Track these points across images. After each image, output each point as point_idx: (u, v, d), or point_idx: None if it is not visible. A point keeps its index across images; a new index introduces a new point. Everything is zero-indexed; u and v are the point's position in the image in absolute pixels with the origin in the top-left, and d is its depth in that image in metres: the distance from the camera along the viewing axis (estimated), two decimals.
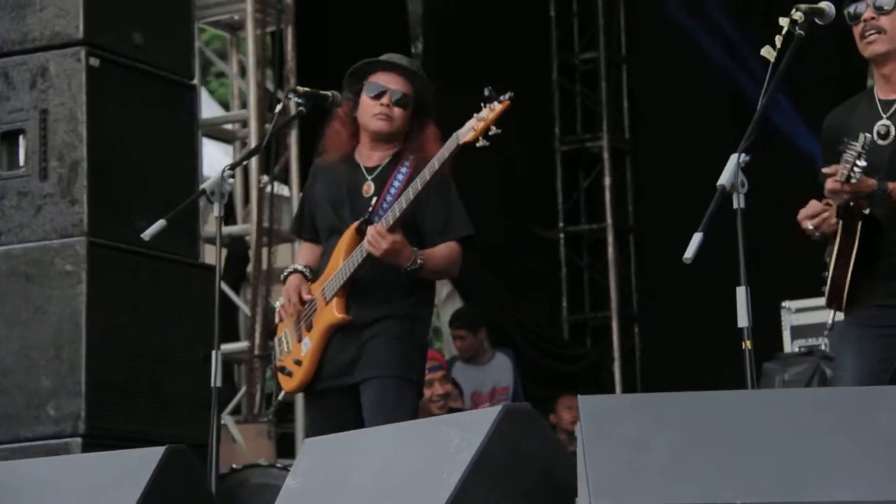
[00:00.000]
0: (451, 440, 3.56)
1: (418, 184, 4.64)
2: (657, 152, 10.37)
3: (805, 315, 7.58)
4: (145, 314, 5.84)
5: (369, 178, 4.86)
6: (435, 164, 4.63)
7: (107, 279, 5.72)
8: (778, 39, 4.41)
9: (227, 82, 13.67)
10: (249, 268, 8.04)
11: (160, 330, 5.90)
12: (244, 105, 8.20)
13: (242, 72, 8.29)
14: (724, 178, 4.18)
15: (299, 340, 4.87)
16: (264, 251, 7.92)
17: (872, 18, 4.46)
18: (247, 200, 8.14)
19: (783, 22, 4.39)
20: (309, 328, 4.84)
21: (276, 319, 4.99)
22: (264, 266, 7.87)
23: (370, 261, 4.72)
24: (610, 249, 10.35)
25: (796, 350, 7.56)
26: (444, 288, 9.85)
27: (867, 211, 4.36)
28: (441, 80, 9.98)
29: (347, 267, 4.76)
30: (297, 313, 4.88)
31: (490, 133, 4.54)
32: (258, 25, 8.08)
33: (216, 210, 4.73)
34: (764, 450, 3.27)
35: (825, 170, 4.32)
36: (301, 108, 4.97)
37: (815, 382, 6.79)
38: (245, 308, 7.93)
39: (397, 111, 4.84)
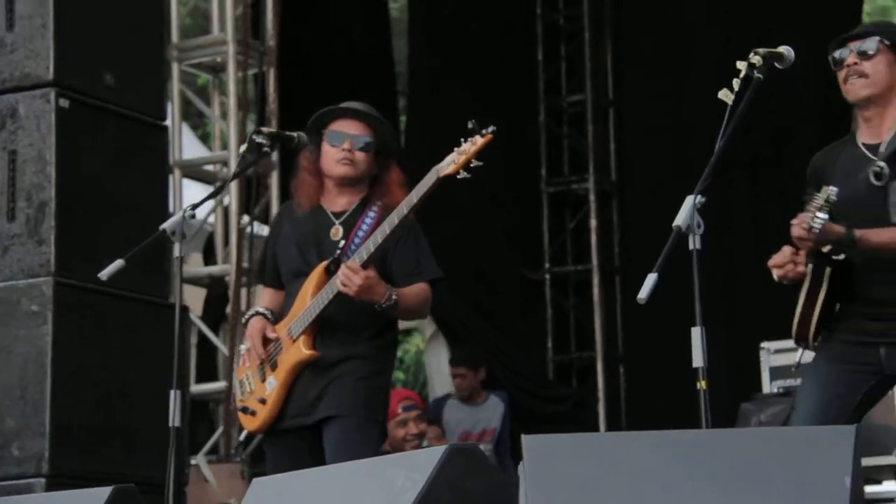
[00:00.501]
0: (397, 480, 3.55)
1: (395, 218, 4.63)
2: (643, 194, 10.38)
3: (784, 356, 7.56)
4: (113, 354, 5.82)
5: (337, 222, 4.87)
6: (413, 198, 4.62)
7: (73, 319, 5.70)
8: (736, 83, 4.43)
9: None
10: (229, 308, 8.03)
11: (129, 370, 5.88)
12: (226, 146, 8.22)
13: (224, 114, 8.32)
14: (680, 220, 4.20)
15: (263, 380, 4.85)
16: (243, 291, 7.91)
17: (856, 63, 4.50)
18: (227, 241, 8.14)
19: (741, 65, 4.41)
20: (273, 367, 4.83)
21: (240, 363, 4.97)
22: (243, 306, 7.86)
23: (338, 300, 4.72)
24: (595, 290, 10.37)
25: (774, 391, 7.54)
26: (428, 328, 9.85)
27: (840, 256, 4.38)
28: (428, 123, 10.12)
29: (315, 305, 4.76)
30: (261, 355, 4.88)
31: (471, 165, 4.53)
32: (240, 68, 8.10)
33: (177, 250, 4.72)
34: (709, 489, 3.27)
35: (794, 221, 4.34)
36: (266, 148, 4.98)
37: (791, 423, 6.77)
38: (223, 348, 7.93)
39: (359, 155, 4.85)
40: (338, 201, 4.90)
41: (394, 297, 4.66)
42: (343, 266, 4.66)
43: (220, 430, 7.78)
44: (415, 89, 10.19)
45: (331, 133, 4.88)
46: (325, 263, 4.79)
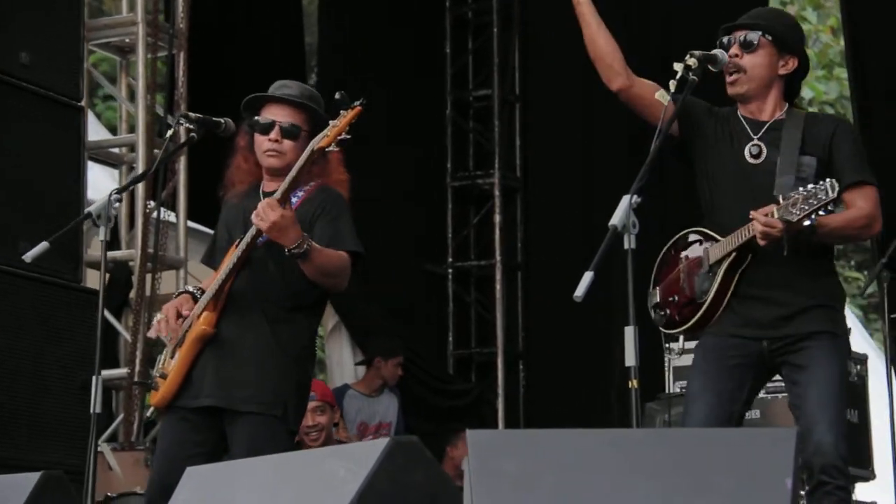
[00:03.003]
0: (337, 472, 3.53)
1: (294, 170, 4.61)
2: (548, 191, 10.44)
3: (688, 357, 7.64)
4: (25, 338, 5.71)
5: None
6: (293, 172, 4.61)
7: None
8: (672, 84, 4.47)
9: (114, 105, 13.49)
10: (132, 294, 7.91)
11: (40, 354, 5.78)
12: (132, 129, 8.08)
13: (131, 96, 8.17)
14: (616, 219, 4.19)
15: (172, 357, 4.82)
16: (148, 277, 7.79)
17: (737, 55, 4.57)
18: (132, 225, 8.00)
19: (678, 67, 4.46)
20: (181, 344, 4.79)
21: (153, 333, 4.91)
22: (147, 292, 7.74)
23: (246, 275, 4.69)
24: (498, 286, 10.38)
25: (677, 391, 7.61)
26: (329, 320, 9.79)
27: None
28: (335, 113, 10.03)
29: (220, 276, 4.72)
30: (177, 331, 4.82)
31: (341, 139, 4.54)
32: (149, 50, 7.96)
33: (102, 234, 4.65)
34: (652, 487, 3.28)
35: (758, 213, 4.34)
36: (192, 133, 4.93)
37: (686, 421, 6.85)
38: (126, 334, 7.80)
39: (287, 144, 4.82)
40: (272, 184, 4.87)
41: (306, 245, 4.58)
42: (262, 202, 4.61)
43: (120, 416, 7.66)
44: (324, 78, 10.12)
45: (260, 120, 4.86)
46: (238, 240, 4.75)
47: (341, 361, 9.70)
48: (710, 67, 4.53)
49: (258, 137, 4.86)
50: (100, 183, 8.61)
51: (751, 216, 4.38)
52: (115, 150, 8.23)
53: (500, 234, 10.41)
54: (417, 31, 10.45)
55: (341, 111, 4.57)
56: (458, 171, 10.64)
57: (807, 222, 4.26)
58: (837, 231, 4.46)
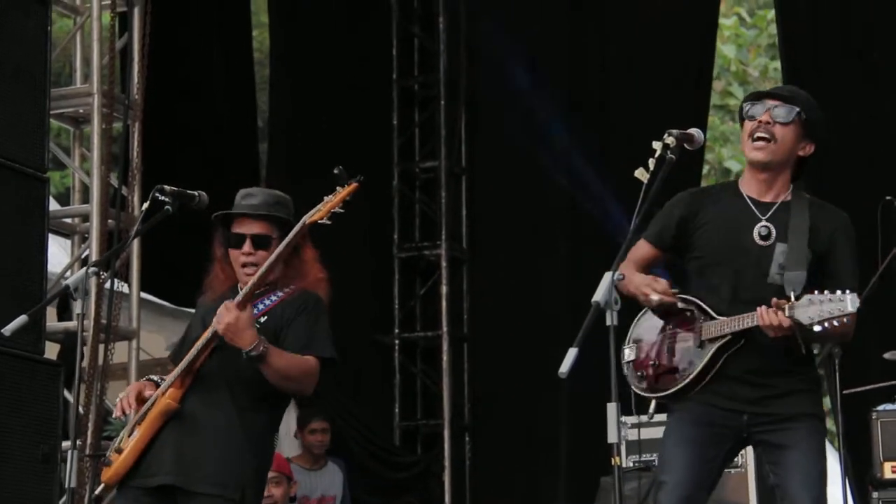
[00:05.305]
0: None
1: (266, 265, 4.64)
2: (494, 262, 10.50)
3: (641, 431, 7.67)
4: None
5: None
6: (281, 247, 4.66)
7: None
8: (651, 162, 4.55)
9: (53, 174, 13.41)
10: (84, 364, 7.82)
11: (1, 426, 5.71)
12: (84, 199, 8.03)
13: (84, 166, 8.12)
14: (599, 296, 4.24)
15: (130, 435, 4.80)
16: (101, 348, 7.71)
17: (768, 123, 4.60)
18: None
19: (656, 146, 4.53)
20: (142, 422, 4.77)
21: (117, 412, 4.88)
22: (100, 362, 7.66)
23: (218, 357, 4.69)
24: (444, 357, 10.40)
25: (630, 465, 7.63)
26: None
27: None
28: (285, 183, 10.04)
29: (190, 355, 4.72)
30: (131, 404, 4.80)
31: (334, 212, 4.64)
32: (104, 120, 7.93)
33: (78, 307, 4.63)
34: None
35: (769, 310, 4.41)
36: (168, 206, 4.94)
37: (652, 497, 6.87)
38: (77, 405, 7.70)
39: (261, 254, 4.85)
40: None
41: (262, 347, 4.59)
42: (223, 304, 4.64)
43: (69, 489, 7.54)
44: (274, 148, 10.15)
45: (231, 236, 4.91)
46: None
47: (288, 433, 9.62)
48: (686, 146, 4.61)
49: (232, 252, 4.91)
50: (50, 253, 8.53)
51: (758, 313, 4.43)
52: (68, 220, 8.16)
53: (447, 304, 10.44)
54: (366, 103, 10.51)
55: (337, 187, 4.61)
56: (404, 242, 10.67)
57: (817, 328, 4.33)
58: (830, 334, 4.52)
